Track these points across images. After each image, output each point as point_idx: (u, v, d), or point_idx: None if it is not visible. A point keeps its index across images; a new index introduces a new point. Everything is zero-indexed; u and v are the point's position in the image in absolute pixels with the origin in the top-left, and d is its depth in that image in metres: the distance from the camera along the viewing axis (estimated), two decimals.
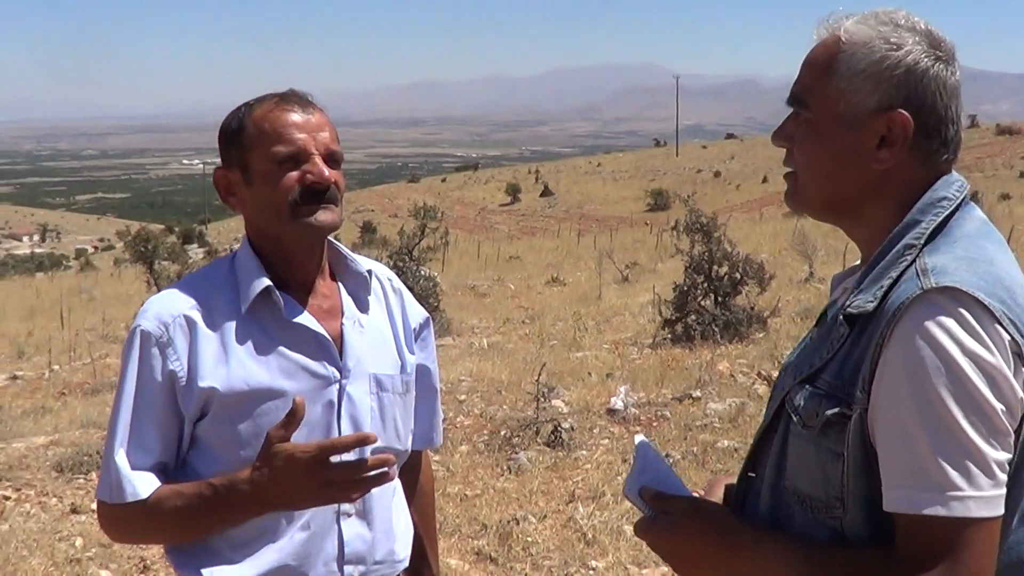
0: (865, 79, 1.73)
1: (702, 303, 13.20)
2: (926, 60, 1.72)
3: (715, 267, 13.39)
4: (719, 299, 13.23)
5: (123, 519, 2.17)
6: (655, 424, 8.68)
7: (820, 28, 1.84)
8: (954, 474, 1.53)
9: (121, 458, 2.13)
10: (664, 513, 1.84)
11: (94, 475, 7.98)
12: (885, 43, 1.73)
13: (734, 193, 75.67)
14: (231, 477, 2.08)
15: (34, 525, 6.97)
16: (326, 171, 2.19)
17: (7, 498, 7.59)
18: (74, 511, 7.27)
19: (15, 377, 14.90)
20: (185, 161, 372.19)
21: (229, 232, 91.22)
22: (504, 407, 9.48)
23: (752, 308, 13.15)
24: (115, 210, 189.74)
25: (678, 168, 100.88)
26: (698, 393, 9.44)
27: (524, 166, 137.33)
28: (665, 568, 5.71)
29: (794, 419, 1.75)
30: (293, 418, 2.02)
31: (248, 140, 2.21)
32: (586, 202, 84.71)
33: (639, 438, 2.01)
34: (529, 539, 6.23)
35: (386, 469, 2.04)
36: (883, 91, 1.72)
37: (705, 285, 13.36)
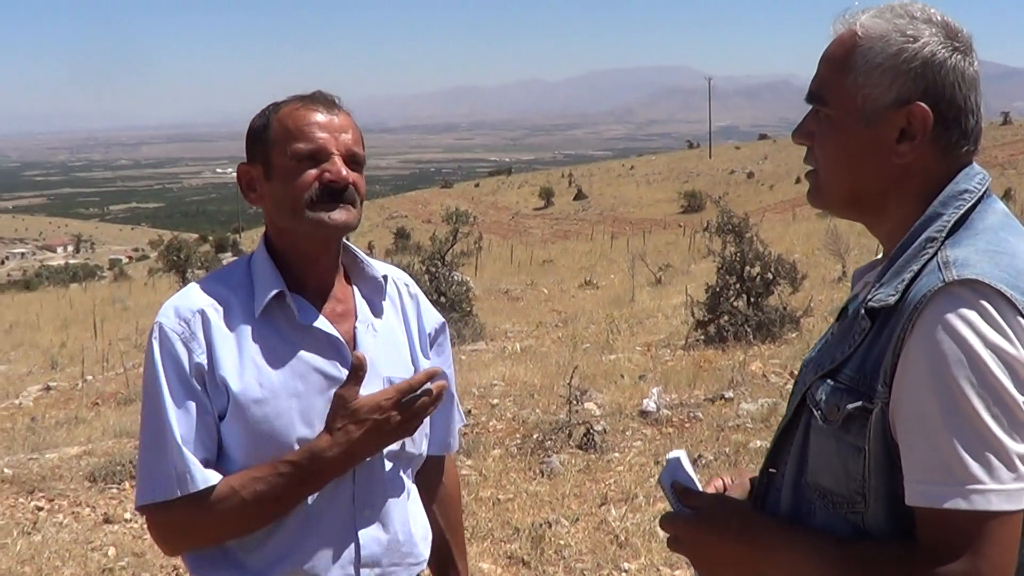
0: (883, 73, 1.72)
1: (734, 304, 13.17)
2: (943, 51, 1.71)
3: (747, 268, 13.36)
4: (751, 300, 13.20)
5: (188, 516, 2.14)
6: (687, 425, 8.65)
7: (836, 23, 1.83)
8: (975, 467, 1.51)
9: (182, 447, 2.11)
10: (690, 508, 1.87)
11: (127, 484, 8.02)
12: (901, 36, 1.71)
13: (767, 194, 75.31)
14: (310, 448, 2.13)
15: (67, 535, 7.02)
16: (344, 171, 2.20)
17: (40, 508, 7.64)
18: (107, 521, 7.30)
19: (48, 388, 15.02)
20: (219, 170, 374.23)
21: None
22: (537, 410, 9.47)
23: (785, 308, 13.10)
24: (149, 220, 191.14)
25: (711, 169, 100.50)
26: (731, 394, 9.41)
27: (557, 170, 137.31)
28: None
29: (815, 414, 1.74)
30: (356, 374, 2.12)
31: (271, 136, 2.24)
32: (619, 205, 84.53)
33: (673, 454, 2.01)
34: (561, 542, 6.23)
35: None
36: (901, 84, 1.71)
37: (737, 286, 13.33)
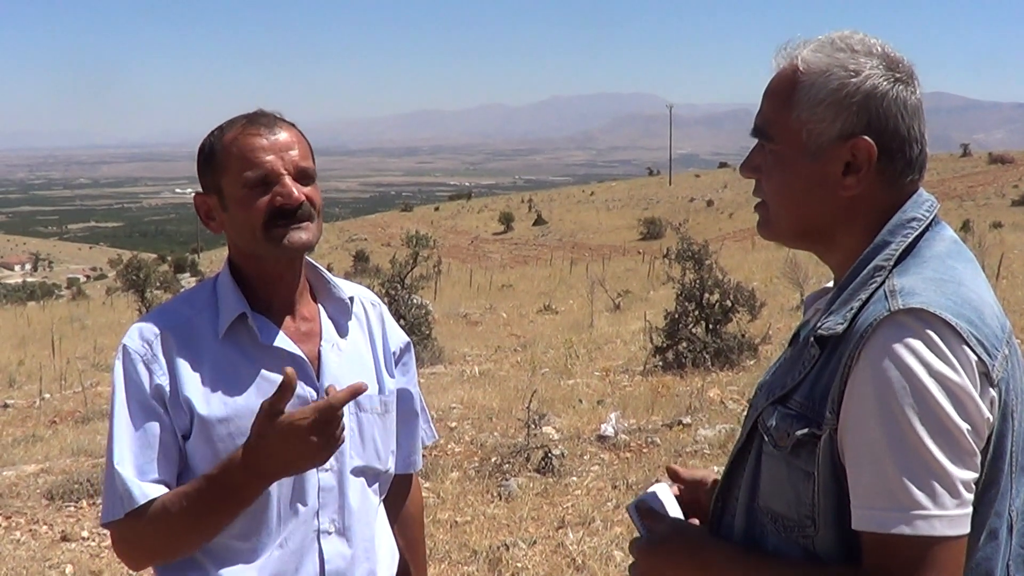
0: (826, 109, 1.75)
1: (693, 330, 13.25)
2: (885, 83, 1.74)
3: (706, 295, 13.45)
4: (710, 327, 13.28)
5: (138, 533, 2.16)
6: (645, 450, 8.69)
7: (777, 57, 1.85)
8: (919, 494, 1.55)
9: (125, 468, 2.14)
10: (651, 532, 1.91)
11: (84, 503, 8.00)
12: (843, 70, 1.74)
13: (727, 222, 75.77)
14: (223, 461, 2.12)
15: (24, 553, 6.97)
16: (295, 191, 2.21)
17: None
18: (64, 539, 7.26)
19: (6, 405, 14.85)
20: (178, 190, 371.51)
21: (222, 261, 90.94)
22: (495, 434, 9.49)
23: (743, 335, 13.19)
24: (108, 239, 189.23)
25: (671, 197, 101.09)
26: (688, 420, 9.46)
27: (518, 195, 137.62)
28: None
29: (766, 439, 1.77)
30: (284, 391, 2.04)
31: (219, 165, 2.25)
32: (579, 231, 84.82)
33: (654, 488, 2.05)
34: (519, 565, 6.24)
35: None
36: (844, 119, 1.74)
37: (696, 313, 13.42)
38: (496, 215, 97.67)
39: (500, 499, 7.63)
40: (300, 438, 2.05)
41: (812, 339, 1.74)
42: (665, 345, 13.21)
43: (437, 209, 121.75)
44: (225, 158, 2.23)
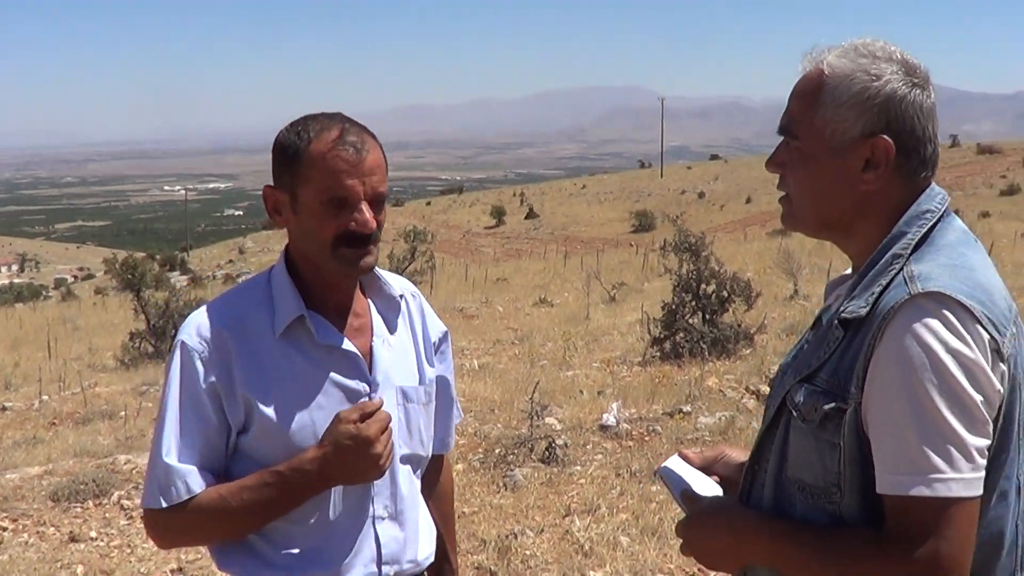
0: (849, 109, 1.90)
1: (690, 321, 13.35)
2: (903, 87, 1.89)
3: (703, 285, 13.56)
4: (707, 317, 13.39)
5: (175, 522, 2.26)
6: (647, 439, 8.81)
7: (804, 61, 2.00)
8: (937, 459, 1.70)
9: (171, 460, 2.24)
10: (690, 511, 2.10)
11: (91, 504, 8.02)
12: (865, 75, 1.89)
13: (718, 214, 75.90)
14: (296, 460, 2.24)
15: (33, 555, 6.99)
16: (370, 219, 2.26)
17: (4, 528, 7.58)
18: (73, 540, 7.29)
19: (4, 408, 14.86)
20: (166, 188, 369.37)
21: (211, 259, 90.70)
22: (498, 425, 9.59)
23: (739, 325, 13.30)
24: (95, 238, 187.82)
25: (663, 189, 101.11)
26: (688, 408, 9.59)
27: (509, 188, 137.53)
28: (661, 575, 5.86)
29: (795, 415, 1.91)
30: (365, 409, 2.26)
31: (302, 171, 2.26)
32: (571, 224, 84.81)
33: (664, 465, 2.27)
34: (528, 552, 6.34)
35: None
36: (866, 119, 1.89)
37: (693, 303, 13.52)
38: (488, 209, 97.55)
39: (506, 489, 7.74)
40: (365, 442, 2.24)
41: (836, 322, 1.89)
42: (663, 336, 13.31)
43: (429, 204, 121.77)
44: (308, 168, 2.25)
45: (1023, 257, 19.44)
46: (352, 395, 2.35)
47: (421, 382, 2.53)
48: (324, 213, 2.25)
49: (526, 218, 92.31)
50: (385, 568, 2.39)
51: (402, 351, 2.51)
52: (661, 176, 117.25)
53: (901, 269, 1.85)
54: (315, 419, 2.29)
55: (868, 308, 1.83)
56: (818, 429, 1.85)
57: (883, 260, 1.89)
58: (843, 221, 1.97)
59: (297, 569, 2.31)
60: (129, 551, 7.01)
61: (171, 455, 2.24)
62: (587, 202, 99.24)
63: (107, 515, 7.81)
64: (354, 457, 2.23)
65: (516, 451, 8.48)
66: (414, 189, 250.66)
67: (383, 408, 2.34)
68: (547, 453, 8.33)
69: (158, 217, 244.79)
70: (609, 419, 9.25)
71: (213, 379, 2.27)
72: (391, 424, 2.32)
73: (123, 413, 12.34)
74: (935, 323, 1.73)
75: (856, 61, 1.91)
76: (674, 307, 13.45)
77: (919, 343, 1.72)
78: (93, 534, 7.36)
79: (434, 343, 2.63)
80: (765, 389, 9.99)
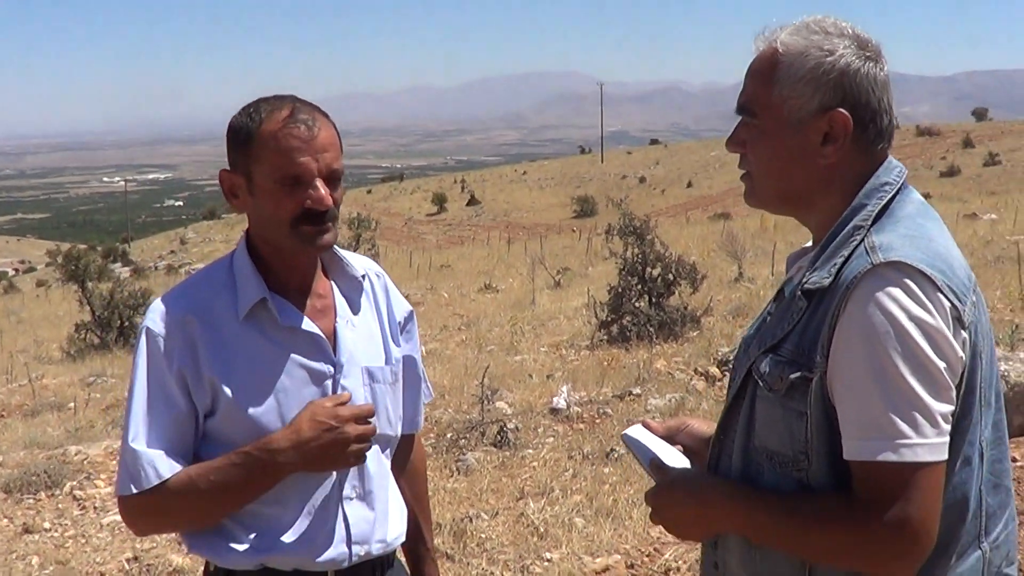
0: (805, 85, 1.94)
1: (637, 304, 13.42)
2: (857, 61, 1.94)
3: (649, 269, 13.64)
4: (653, 300, 13.47)
5: (149, 507, 2.27)
6: (598, 421, 8.88)
7: (757, 41, 2.04)
8: (903, 425, 1.74)
9: (139, 445, 2.24)
10: (658, 481, 2.12)
11: (43, 495, 7.98)
12: (819, 50, 1.94)
13: (659, 198, 76.41)
14: (264, 440, 2.26)
15: None
16: (326, 196, 2.26)
17: None
18: (27, 531, 7.25)
19: None
20: (105, 179, 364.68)
21: (153, 250, 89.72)
22: (449, 410, 9.62)
23: (685, 308, 13.39)
24: (36, 231, 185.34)
25: (603, 174, 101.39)
26: (638, 390, 9.67)
27: (450, 176, 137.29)
28: (617, 555, 5.91)
29: (761, 385, 1.95)
30: (339, 398, 2.32)
31: (254, 153, 2.27)
32: (513, 210, 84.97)
33: (626, 432, 2.30)
34: (483, 535, 6.37)
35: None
36: (822, 94, 1.94)
37: (639, 287, 13.60)
38: (429, 196, 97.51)
39: (459, 473, 7.78)
40: (339, 425, 2.27)
41: (800, 293, 1.93)
42: (610, 319, 13.38)
43: (369, 192, 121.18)
44: (261, 149, 2.26)
45: (964, 238, 19.70)
46: (316, 376, 2.36)
47: (387, 362, 2.53)
48: (280, 192, 2.26)
49: (468, 205, 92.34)
50: (355, 548, 2.40)
51: (367, 331, 2.51)
52: (602, 161, 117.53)
53: (862, 240, 1.88)
54: (280, 401, 2.31)
55: (831, 279, 1.86)
56: (784, 398, 1.89)
57: (844, 232, 1.92)
58: (804, 195, 2.01)
59: (265, 550, 2.32)
60: (84, 541, 6.97)
61: (139, 440, 2.24)
62: (528, 188, 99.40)
63: (60, 506, 7.77)
64: (331, 446, 2.26)
65: (468, 435, 8.52)
66: (354, 177, 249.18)
67: (351, 392, 2.37)
68: (499, 437, 8.38)
69: (98, 209, 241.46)
70: (559, 402, 9.31)
71: (178, 364, 2.27)
72: (372, 419, 2.35)
73: (72, 404, 12.26)
74: (897, 291, 1.77)
75: (809, 38, 1.95)
76: (620, 290, 13.52)
77: (882, 311, 1.76)
78: (47, 525, 7.33)
79: (400, 322, 2.64)
80: (714, 371, 10.10)
